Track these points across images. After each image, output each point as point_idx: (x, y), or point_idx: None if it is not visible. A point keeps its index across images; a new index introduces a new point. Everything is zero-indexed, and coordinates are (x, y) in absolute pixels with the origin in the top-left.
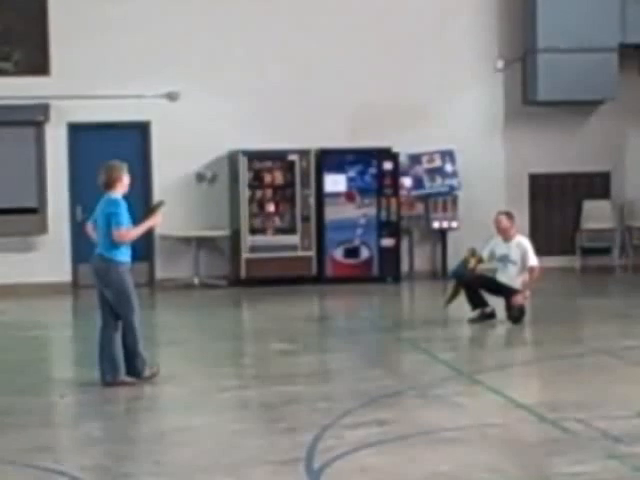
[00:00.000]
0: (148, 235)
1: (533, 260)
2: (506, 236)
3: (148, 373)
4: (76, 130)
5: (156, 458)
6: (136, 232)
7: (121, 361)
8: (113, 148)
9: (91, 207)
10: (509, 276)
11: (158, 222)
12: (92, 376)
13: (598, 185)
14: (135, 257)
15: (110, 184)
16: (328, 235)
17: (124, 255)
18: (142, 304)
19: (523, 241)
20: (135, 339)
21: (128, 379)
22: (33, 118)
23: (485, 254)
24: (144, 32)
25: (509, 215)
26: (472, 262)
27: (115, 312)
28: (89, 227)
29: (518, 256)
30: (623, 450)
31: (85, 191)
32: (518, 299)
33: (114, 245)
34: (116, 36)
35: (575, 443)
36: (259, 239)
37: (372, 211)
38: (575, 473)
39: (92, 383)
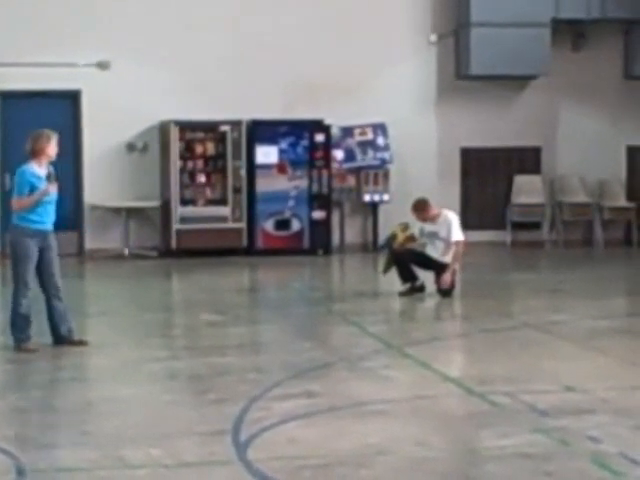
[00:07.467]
0: (77, 205)
1: (456, 235)
2: (430, 220)
3: (22, 347)
4: (5, 98)
5: (82, 428)
6: (27, 202)
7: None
8: (43, 117)
9: None
10: (438, 251)
11: (51, 192)
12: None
13: (529, 160)
14: (58, 226)
15: (34, 153)
16: (259, 207)
17: (31, 223)
18: (71, 274)
19: (449, 216)
20: (16, 306)
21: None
22: None
23: (416, 231)
24: None
25: (418, 206)
26: (400, 237)
27: (40, 279)
28: None
29: (446, 232)
30: (549, 424)
31: (14, 160)
32: (445, 279)
33: (21, 212)
34: (47, 2)
35: (502, 416)
36: (190, 210)
37: (303, 183)
38: (502, 446)
39: (17, 353)
